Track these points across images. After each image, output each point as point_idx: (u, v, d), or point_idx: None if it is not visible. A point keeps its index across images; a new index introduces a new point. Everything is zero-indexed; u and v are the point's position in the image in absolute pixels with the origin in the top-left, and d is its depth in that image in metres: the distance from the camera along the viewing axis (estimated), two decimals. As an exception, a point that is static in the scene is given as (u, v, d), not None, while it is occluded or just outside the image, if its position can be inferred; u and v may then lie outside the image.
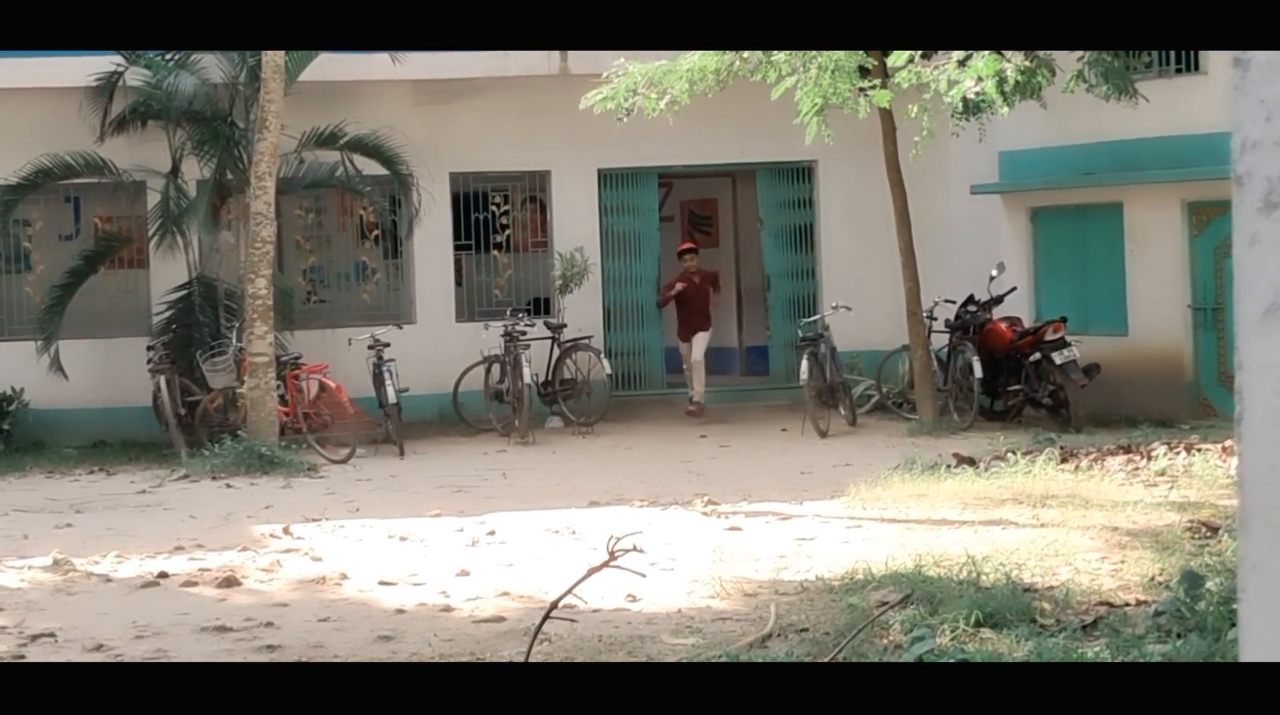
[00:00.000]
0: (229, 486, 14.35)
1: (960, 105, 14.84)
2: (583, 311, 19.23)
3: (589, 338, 18.59)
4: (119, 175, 17.99)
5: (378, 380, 16.96)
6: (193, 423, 16.92)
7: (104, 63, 17.60)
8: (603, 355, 18.42)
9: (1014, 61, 14.50)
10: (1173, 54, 17.00)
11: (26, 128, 17.98)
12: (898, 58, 14.74)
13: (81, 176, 18.04)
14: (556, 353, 18.48)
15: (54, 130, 17.84)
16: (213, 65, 17.88)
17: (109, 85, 17.81)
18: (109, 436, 17.75)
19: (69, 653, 7.67)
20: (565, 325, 18.72)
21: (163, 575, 9.74)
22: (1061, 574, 8.54)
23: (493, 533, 11.07)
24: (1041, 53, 15.06)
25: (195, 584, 9.44)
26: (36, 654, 7.64)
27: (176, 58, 17.74)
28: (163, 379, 16.87)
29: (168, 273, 18.20)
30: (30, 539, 11.50)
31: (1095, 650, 6.71)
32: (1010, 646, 6.88)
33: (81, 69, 17.37)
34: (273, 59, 15.95)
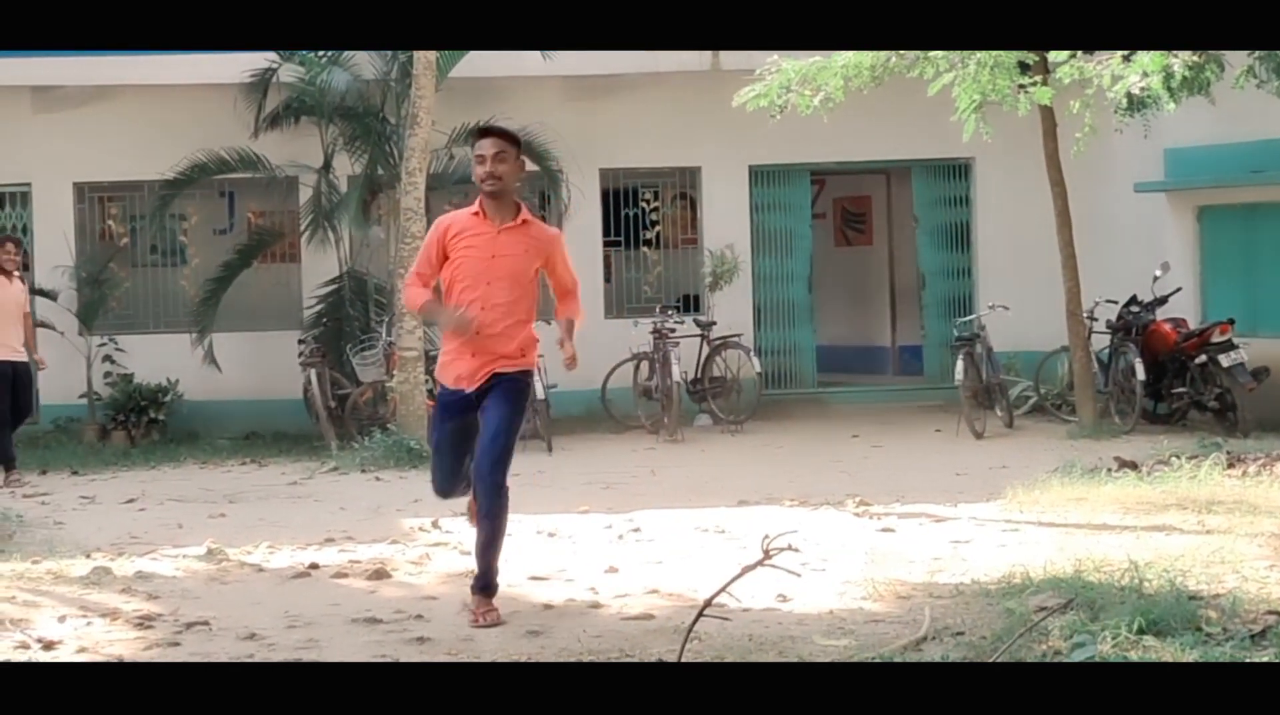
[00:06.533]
0: (378, 480, 14.39)
1: (1124, 101, 14.40)
2: (733, 309, 19.10)
3: (739, 336, 18.43)
4: (272, 170, 18.18)
5: (526, 376, 16.94)
6: (343, 416, 17.04)
7: (258, 59, 17.78)
8: (753, 353, 18.25)
9: (1181, 57, 14.06)
10: (1346, 48, 16.47)
11: (183, 124, 18.26)
12: (1059, 53, 14.36)
13: (236, 172, 18.27)
14: (706, 350, 18.36)
15: (209, 126, 18.10)
16: (365, 62, 17.98)
17: (263, 82, 18.01)
18: (261, 428, 17.96)
19: (223, 641, 7.67)
20: (715, 323, 18.58)
21: (314, 566, 9.75)
22: (1228, 582, 8.23)
23: (640, 530, 10.97)
24: (1209, 47, 14.61)
25: (346, 575, 9.43)
26: (191, 642, 7.65)
27: (329, 54, 17.87)
28: (313, 372, 16.99)
29: (319, 267, 18.37)
30: (185, 528, 11.61)
31: (1265, 660, 6.44)
32: (1175, 655, 6.62)
33: (236, 66, 17.57)
34: (424, 55, 15.97)
